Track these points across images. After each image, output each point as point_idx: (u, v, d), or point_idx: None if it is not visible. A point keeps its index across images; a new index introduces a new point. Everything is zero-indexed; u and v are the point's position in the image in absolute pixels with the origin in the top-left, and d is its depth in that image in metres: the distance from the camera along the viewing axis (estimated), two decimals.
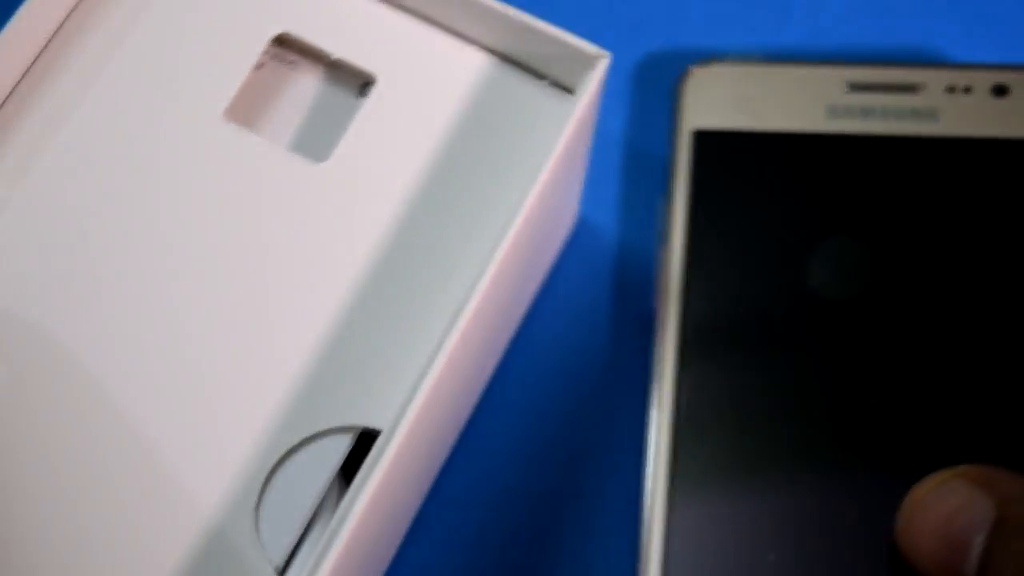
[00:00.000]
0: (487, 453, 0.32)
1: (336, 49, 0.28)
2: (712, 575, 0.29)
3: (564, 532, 0.32)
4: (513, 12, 0.27)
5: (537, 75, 0.28)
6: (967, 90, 0.33)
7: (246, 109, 0.28)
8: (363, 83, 0.29)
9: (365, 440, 0.25)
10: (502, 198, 0.27)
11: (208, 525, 0.24)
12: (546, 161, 0.26)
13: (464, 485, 0.32)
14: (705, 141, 0.32)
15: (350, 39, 0.28)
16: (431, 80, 0.28)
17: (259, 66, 0.28)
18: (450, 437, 0.31)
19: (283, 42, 0.28)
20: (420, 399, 0.24)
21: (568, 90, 0.28)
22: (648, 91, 0.36)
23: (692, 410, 0.30)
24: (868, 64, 0.33)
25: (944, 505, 0.26)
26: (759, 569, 0.29)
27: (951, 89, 0.33)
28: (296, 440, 0.25)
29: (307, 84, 0.29)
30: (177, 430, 0.25)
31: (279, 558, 0.24)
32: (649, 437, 0.30)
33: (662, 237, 0.31)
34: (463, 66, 0.28)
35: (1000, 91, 0.32)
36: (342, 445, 0.25)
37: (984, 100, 0.32)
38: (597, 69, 0.27)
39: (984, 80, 0.33)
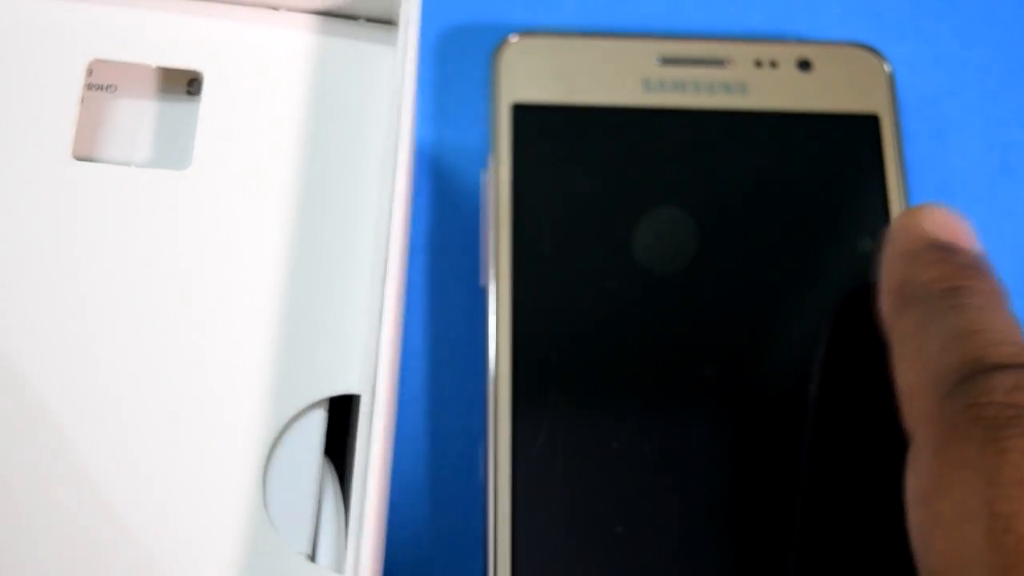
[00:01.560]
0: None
1: (151, 58, 0.28)
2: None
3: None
4: None
5: (351, 17, 0.29)
6: (773, 64, 0.34)
7: (89, 144, 0.27)
8: (189, 81, 0.28)
9: (334, 410, 0.26)
10: (370, 144, 0.27)
11: (223, 536, 0.24)
12: (403, 91, 0.26)
13: None
14: (524, 115, 0.33)
15: (158, 44, 0.28)
16: (254, 55, 0.28)
17: (81, 100, 0.27)
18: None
19: (93, 70, 0.28)
20: (385, 350, 0.24)
21: (386, 21, 0.28)
22: (458, 65, 0.36)
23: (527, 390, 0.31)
24: (679, 38, 0.34)
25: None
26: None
27: (758, 63, 0.34)
28: (277, 427, 0.25)
29: (134, 101, 0.28)
30: (161, 458, 0.25)
31: (304, 546, 0.25)
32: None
33: (487, 210, 0.32)
34: (279, 32, 0.28)
35: (804, 65, 0.34)
36: (318, 420, 0.26)
37: (790, 74, 0.34)
38: None
39: (789, 54, 0.34)
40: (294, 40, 0.28)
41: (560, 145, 0.33)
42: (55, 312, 0.25)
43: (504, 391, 0.30)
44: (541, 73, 0.33)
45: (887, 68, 0.34)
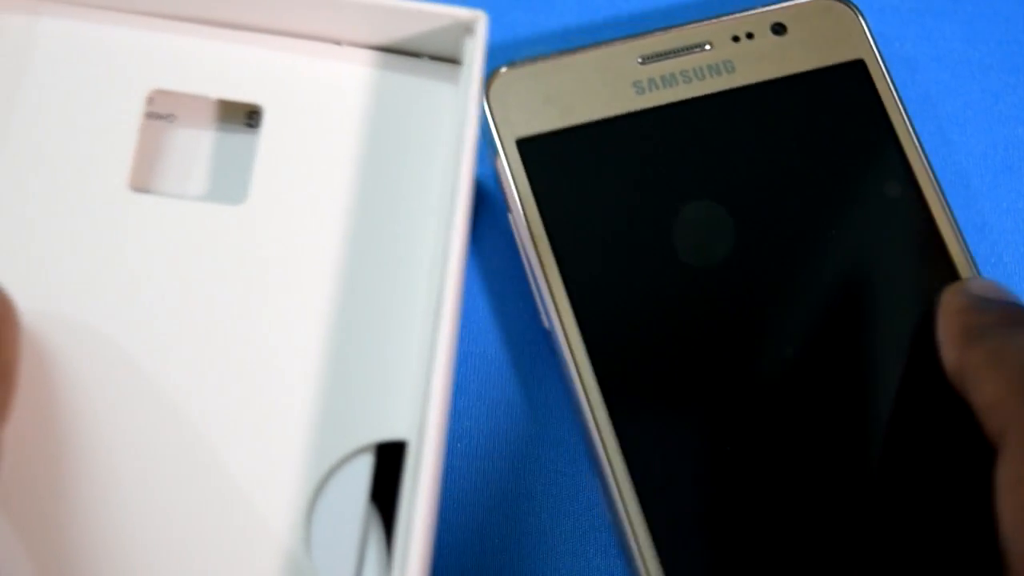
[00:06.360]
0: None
1: (211, 90, 0.27)
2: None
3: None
4: (376, 1, 0.27)
5: (414, 54, 0.28)
6: (750, 36, 0.34)
7: (146, 175, 0.27)
8: (248, 113, 0.28)
9: (382, 455, 0.25)
10: (428, 183, 0.27)
11: None
12: (465, 130, 0.26)
13: None
14: (531, 149, 0.32)
15: (220, 76, 0.27)
16: (315, 90, 0.28)
17: (139, 129, 0.27)
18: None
19: (153, 99, 0.28)
20: (436, 398, 0.24)
21: (449, 60, 0.28)
22: None
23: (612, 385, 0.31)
24: (653, 33, 0.34)
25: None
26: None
27: (736, 38, 0.34)
28: (323, 471, 0.25)
29: (193, 131, 0.28)
30: (203, 498, 0.24)
31: None
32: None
33: (528, 252, 0.32)
34: (341, 67, 0.28)
35: (779, 29, 0.34)
36: (365, 466, 0.25)
37: (769, 41, 0.34)
38: (477, 32, 0.27)
39: (763, 22, 0.34)
40: (356, 75, 0.28)
41: (574, 168, 0.32)
42: (103, 344, 0.25)
43: (605, 427, 0.30)
44: (535, 103, 0.33)
45: (858, 13, 0.34)
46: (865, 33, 0.34)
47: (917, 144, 0.33)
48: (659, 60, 0.33)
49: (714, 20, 0.34)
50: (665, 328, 0.31)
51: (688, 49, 0.34)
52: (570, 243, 0.32)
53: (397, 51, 0.28)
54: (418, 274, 0.26)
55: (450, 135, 0.27)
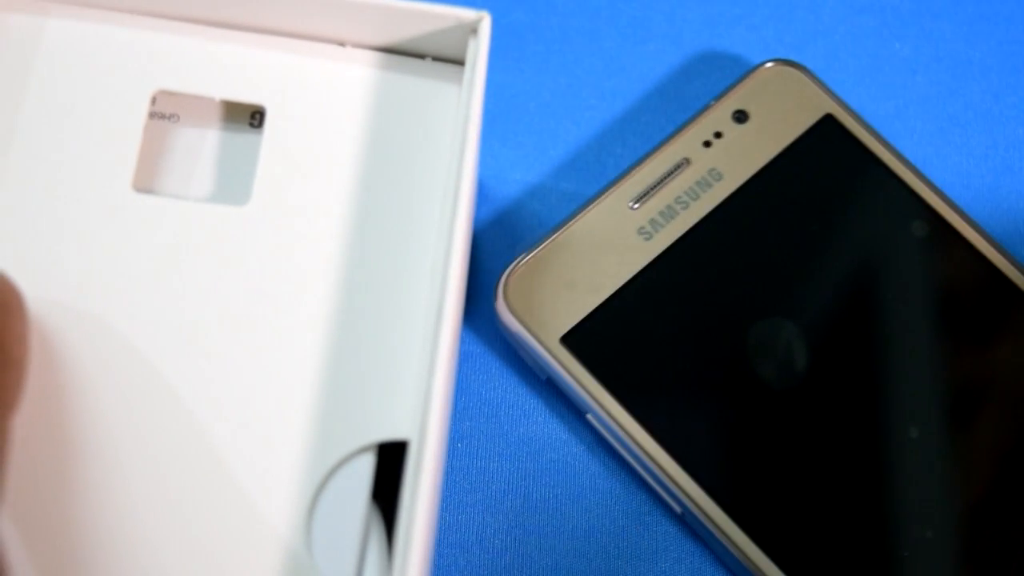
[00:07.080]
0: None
1: (215, 90, 0.27)
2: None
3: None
4: (379, 2, 0.27)
5: (417, 55, 0.28)
6: (718, 135, 0.33)
7: (150, 175, 0.27)
8: (252, 114, 0.28)
9: (383, 455, 0.25)
10: (431, 184, 0.27)
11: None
12: (467, 130, 0.26)
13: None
14: (576, 340, 0.31)
15: (224, 76, 0.28)
16: (318, 91, 0.28)
17: (143, 129, 0.27)
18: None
19: (156, 99, 0.28)
20: (437, 398, 0.24)
21: (452, 60, 0.28)
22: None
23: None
24: (631, 172, 0.32)
25: None
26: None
27: (707, 143, 0.33)
28: (325, 470, 0.25)
29: (196, 131, 0.28)
30: (205, 496, 0.24)
31: None
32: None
33: (621, 441, 0.31)
34: (344, 68, 0.28)
35: (741, 117, 0.33)
36: (366, 465, 0.25)
37: (736, 134, 0.33)
38: (481, 32, 0.27)
39: (723, 116, 0.33)
40: (359, 76, 0.28)
41: (621, 336, 0.31)
42: (107, 343, 0.25)
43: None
44: (557, 294, 0.31)
45: (804, 70, 0.33)
46: (819, 88, 0.33)
47: (914, 171, 0.32)
48: (649, 198, 0.32)
49: (679, 133, 0.33)
50: (766, 448, 0.31)
51: (670, 175, 0.32)
52: (652, 407, 0.31)
53: (400, 52, 0.28)
54: (420, 274, 0.26)
55: (453, 136, 0.27)
